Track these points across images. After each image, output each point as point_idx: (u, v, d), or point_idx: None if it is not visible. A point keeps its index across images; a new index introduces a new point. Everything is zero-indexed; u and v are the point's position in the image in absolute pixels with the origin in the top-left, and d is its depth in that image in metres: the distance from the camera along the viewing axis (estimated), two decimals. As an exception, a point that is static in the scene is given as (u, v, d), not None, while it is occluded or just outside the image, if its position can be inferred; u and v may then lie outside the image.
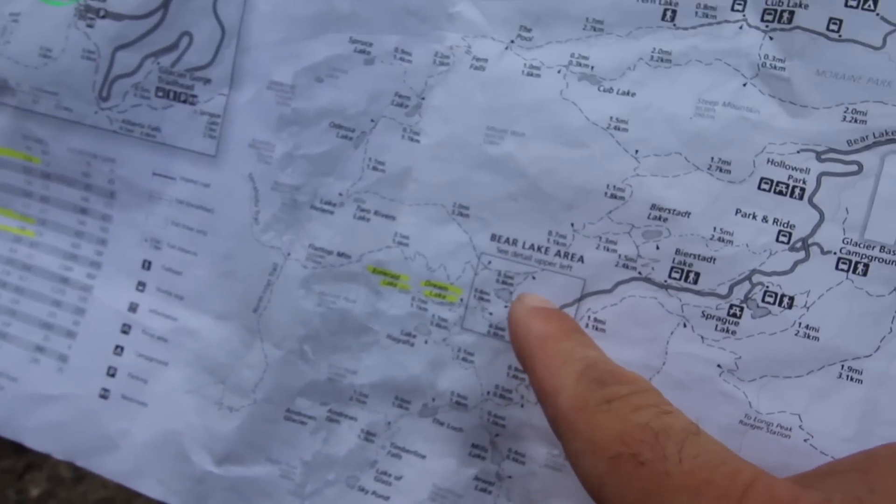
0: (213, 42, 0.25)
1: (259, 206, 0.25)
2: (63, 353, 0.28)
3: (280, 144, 0.25)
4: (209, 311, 0.26)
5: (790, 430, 0.20)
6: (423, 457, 0.24)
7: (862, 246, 0.20)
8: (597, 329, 0.22)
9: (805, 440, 0.20)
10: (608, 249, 0.22)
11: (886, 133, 0.20)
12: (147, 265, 0.27)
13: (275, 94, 0.25)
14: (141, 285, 0.27)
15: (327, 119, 0.24)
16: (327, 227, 0.24)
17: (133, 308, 0.27)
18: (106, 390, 0.27)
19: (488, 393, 0.23)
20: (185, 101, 0.26)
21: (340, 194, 0.24)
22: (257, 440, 0.25)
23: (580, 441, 0.17)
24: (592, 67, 0.22)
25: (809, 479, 0.16)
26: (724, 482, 0.14)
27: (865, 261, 0.20)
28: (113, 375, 0.27)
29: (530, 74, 0.22)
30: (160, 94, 0.26)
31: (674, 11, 0.21)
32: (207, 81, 0.25)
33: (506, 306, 0.23)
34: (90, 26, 0.26)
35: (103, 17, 0.26)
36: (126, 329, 0.27)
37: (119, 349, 0.27)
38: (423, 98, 0.23)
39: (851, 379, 0.20)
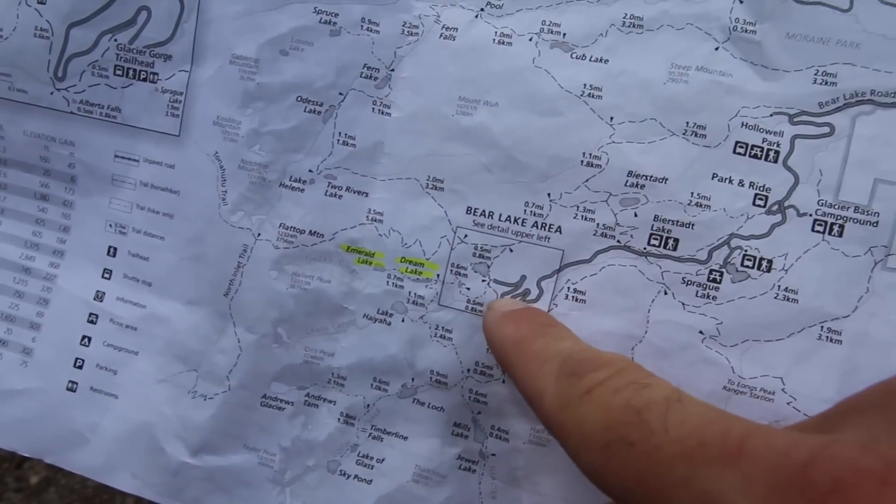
0: (172, 16, 0.25)
1: (226, 185, 0.25)
2: (27, 345, 0.27)
3: (246, 121, 0.24)
4: (179, 296, 0.26)
5: (773, 393, 0.21)
6: (405, 438, 0.24)
7: (837, 207, 0.21)
8: (577, 300, 0.22)
9: (788, 403, 0.21)
10: (586, 219, 0.22)
11: (856, 94, 0.20)
12: (112, 251, 0.26)
13: (238, 68, 0.24)
14: (107, 272, 0.27)
15: (294, 93, 0.24)
16: (298, 206, 0.24)
17: (99, 296, 0.27)
18: (73, 383, 0.27)
19: (468, 370, 0.23)
20: (145, 80, 0.25)
21: (310, 171, 0.24)
22: (233, 428, 0.25)
23: (573, 439, 0.17)
24: (564, 35, 0.22)
25: (829, 419, 0.16)
26: (718, 441, 0.14)
27: (841, 222, 0.21)
28: (80, 367, 0.27)
29: (501, 43, 0.22)
30: (119, 72, 0.25)
31: None
32: (168, 58, 0.25)
33: (483, 280, 0.23)
34: (42, 3, 0.25)
35: None
36: (93, 318, 0.27)
37: (86, 340, 0.27)
38: (392, 70, 0.23)
39: (831, 340, 0.21)
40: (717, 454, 0.14)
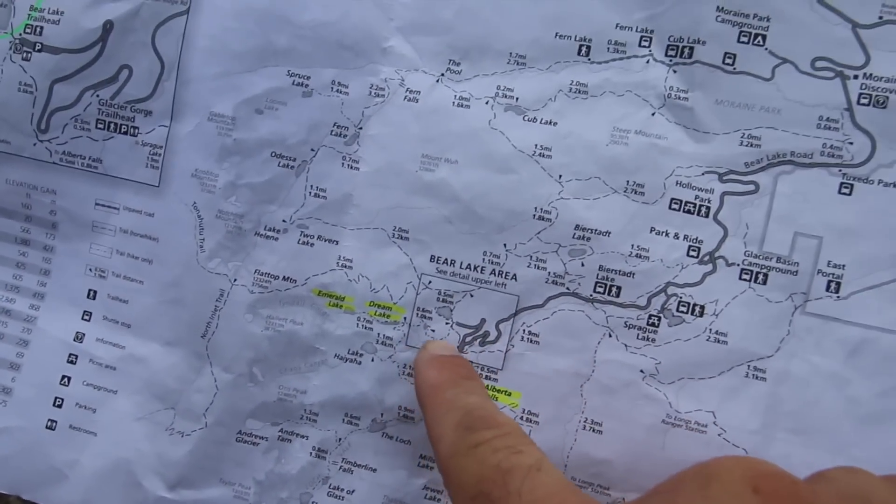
0: (152, 75, 0.26)
1: (204, 234, 0.26)
2: (7, 385, 0.28)
3: (223, 174, 0.26)
4: (157, 337, 0.27)
5: (706, 426, 0.23)
6: (374, 470, 0.25)
7: (761, 257, 0.22)
8: (531, 341, 0.24)
9: (719, 434, 0.23)
10: (538, 267, 0.24)
11: (778, 155, 0.22)
12: (92, 294, 0.27)
13: (216, 125, 0.25)
14: (87, 314, 0.28)
15: (268, 149, 0.25)
16: (272, 253, 0.26)
17: (79, 337, 0.27)
18: (53, 421, 0.27)
19: None
20: (126, 133, 0.26)
21: (284, 221, 0.25)
22: (210, 463, 0.26)
23: (451, 486, 0.19)
24: (517, 99, 0.24)
25: (643, 500, 0.18)
26: None
27: (765, 271, 0.22)
28: (60, 406, 0.27)
29: (460, 105, 0.24)
30: (100, 125, 0.26)
31: (588, 47, 0.23)
32: (148, 113, 0.26)
33: (447, 322, 0.25)
34: (26, 59, 0.26)
35: (39, 50, 0.26)
36: (72, 359, 0.28)
37: (66, 379, 0.27)
38: (360, 128, 0.25)
39: (756, 377, 0.22)
40: None
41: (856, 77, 0.21)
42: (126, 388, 0.27)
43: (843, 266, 0.22)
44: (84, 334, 0.28)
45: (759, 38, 0.22)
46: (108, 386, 0.27)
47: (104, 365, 0.27)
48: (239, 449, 0.26)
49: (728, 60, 0.22)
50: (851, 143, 0.22)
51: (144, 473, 0.26)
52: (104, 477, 0.27)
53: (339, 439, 0.25)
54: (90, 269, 0.27)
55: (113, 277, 0.27)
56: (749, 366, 0.22)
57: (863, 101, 0.21)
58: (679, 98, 0.23)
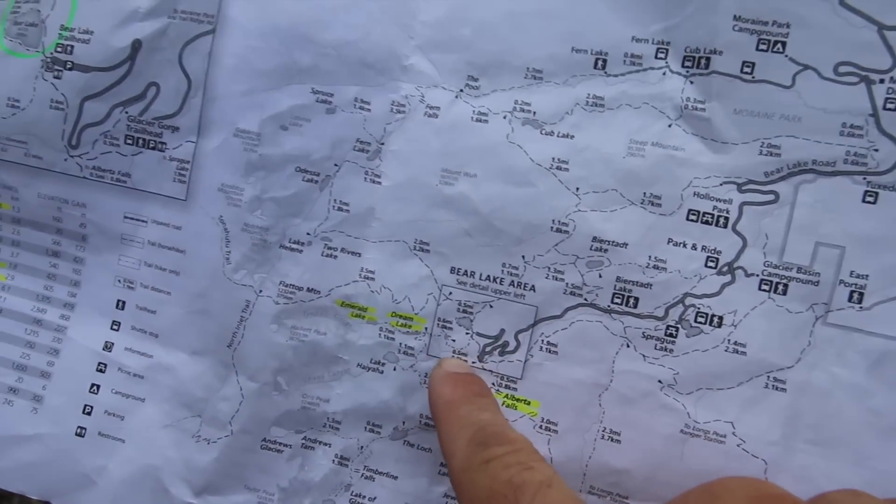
0: (179, 92, 0.26)
1: (230, 246, 0.26)
2: (37, 393, 0.29)
3: (248, 188, 0.26)
4: (184, 347, 0.27)
5: (725, 436, 0.23)
6: (396, 478, 0.25)
7: (781, 268, 0.22)
8: (550, 352, 0.24)
9: (738, 445, 0.23)
10: (556, 279, 0.24)
11: (799, 164, 0.22)
12: (121, 305, 0.28)
13: (241, 141, 0.26)
14: (116, 324, 0.28)
15: (293, 164, 0.26)
16: (297, 265, 0.26)
17: (108, 347, 0.28)
18: (82, 428, 0.28)
19: None
20: (153, 148, 0.27)
21: (308, 234, 0.26)
22: (235, 470, 0.26)
23: (464, 499, 0.19)
24: (534, 113, 0.24)
25: None
26: None
27: (785, 281, 0.22)
28: (89, 413, 0.28)
29: (479, 120, 0.24)
30: (129, 141, 0.27)
31: (604, 60, 0.23)
32: (175, 129, 0.26)
33: (467, 333, 0.25)
34: (57, 77, 0.27)
35: (70, 69, 0.27)
36: (102, 368, 0.28)
37: (95, 387, 0.28)
38: (382, 143, 0.25)
39: (776, 388, 0.22)
40: None
41: (882, 81, 0.21)
42: (154, 397, 0.27)
43: (867, 276, 0.21)
44: (113, 343, 0.28)
45: (779, 45, 0.21)
46: (136, 394, 0.28)
47: (132, 374, 0.28)
48: (263, 456, 0.26)
49: (746, 69, 0.22)
50: (877, 150, 0.21)
51: (171, 480, 0.27)
52: (132, 483, 0.27)
53: (362, 447, 0.26)
54: (119, 281, 0.28)
55: (141, 288, 0.28)
56: (769, 377, 0.22)
57: (889, 105, 0.21)
58: (696, 109, 0.22)
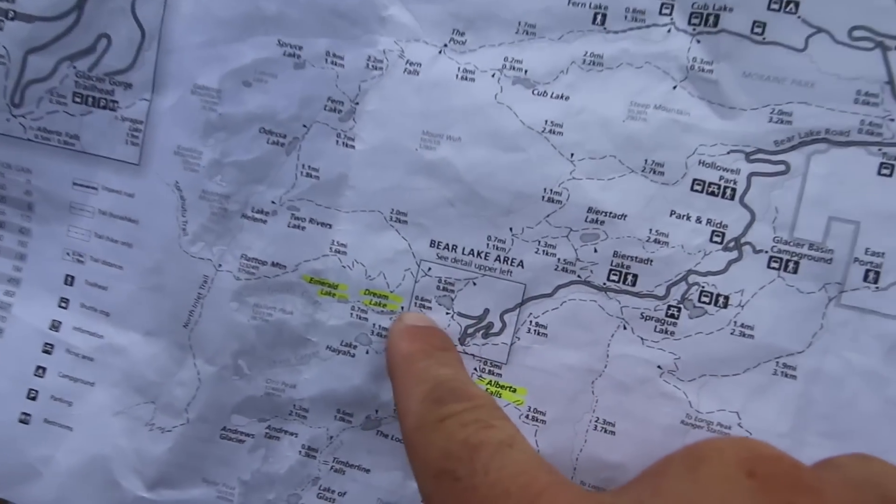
0: (132, 44, 0.25)
1: (187, 216, 0.25)
2: None
3: (207, 151, 0.25)
4: (137, 327, 0.26)
5: (730, 427, 0.22)
6: (368, 471, 0.25)
7: (792, 244, 0.21)
8: (539, 334, 0.23)
9: None
10: (547, 253, 0.23)
11: (811, 133, 0.21)
12: (70, 280, 0.27)
13: (200, 98, 0.24)
14: (64, 302, 0.27)
15: (257, 124, 0.24)
16: (260, 237, 0.25)
17: (55, 326, 0.27)
18: (27, 415, 0.27)
19: None
20: (104, 107, 0.25)
21: (273, 202, 0.24)
22: (192, 461, 0.25)
23: (416, 461, 0.18)
24: (526, 71, 0.23)
25: (628, 485, 0.17)
26: (519, 492, 0.15)
27: (795, 259, 0.21)
28: (34, 398, 0.27)
29: (465, 78, 0.23)
30: (77, 99, 0.26)
31: (604, 15, 0.22)
32: (128, 86, 0.25)
33: (447, 313, 0.24)
34: None
35: (12, 18, 0.25)
36: (48, 349, 0.27)
37: (41, 370, 0.27)
38: (356, 103, 0.24)
39: (786, 375, 0.21)
40: None
41: None
42: (104, 381, 0.26)
43: (883, 254, 0.21)
44: (60, 322, 0.27)
45: (792, 5, 0.21)
46: (85, 378, 0.26)
47: (81, 355, 0.26)
48: (223, 446, 0.25)
49: (757, 30, 0.21)
50: (892, 120, 0.21)
51: (122, 471, 0.26)
52: (80, 475, 0.26)
53: (331, 437, 0.25)
54: (68, 254, 0.27)
55: (91, 262, 0.26)
56: (778, 362, 0.21)
57: None
58: (703, 70, 0.22)
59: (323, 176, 0.24)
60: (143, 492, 0.25)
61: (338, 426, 0.25)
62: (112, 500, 0.26)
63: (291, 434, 0.25)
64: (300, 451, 0.25)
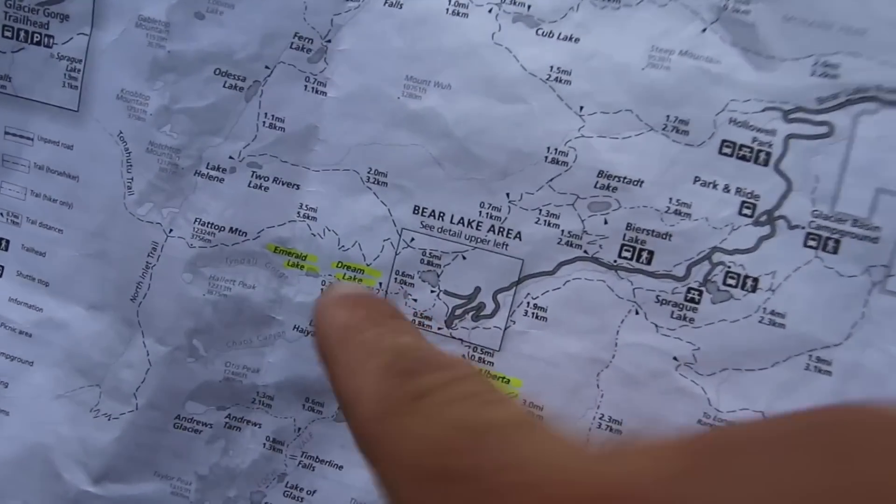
0: None
1: (132, 171, 0.24)
2: None
3: (154, 96, 0.24)
4: (80, 299, 0.25)
5: None
6: (340, 467, 0.24)
7: (833, 219, 0.20)
8: (537, 317, 0.22)
9: None
10: (549, 224, 0.22)
11: (860, 90, 0.20)
12: (4, 245, 0.26)
13: (146, 32, 0.23)
14: None
15: (211, 65, 0.23)
16: (217, 198, 0.24)
17: None
18: None
19: None
20: (38, 43, 0.24)
21: (231, 158, 0.23)
22: (142, 453, 0.25)
23: (383, 462, 0.14)
24: (529, 7, 0.21)
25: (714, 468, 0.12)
26: (565, 497, 0.11)
27: (836, 236, 0.20)
28: None
29: (456, 13, 0.22)
30: (8, 33, 0.24)
31: None
32: (65, 18, 0.24)
33: (432, 290, 0.22)
34: None
35: None
36: None
37: None
38: (328, 41, 0.23)
39: (820, 370, 0.21)
40: None
41: None
42: (44, 360, 0.25)
43: None
44: None
45: None
46: (22, 356, 0.25)
47: (18, 331, 0.25)
48: (177, 437, 0.24)
49: None
50: None
51: (65, 462, 0.25)
52: (17, 465, 0.25)
53: (299, 429, 0.24)
54: (1, 214, 0.25)
55: (28, 224, 0.25)
56: (811, 355, 0.21)
57: None
58: (738, 11, 0.20)
59: (289, 127, 0.23)
60: (87, 485, 0.25)
61: (306, 417, 0.24)
62: (53, 493, 0.25)
63: (254, 424, 0.24)
64: (264, 444, 0.24)
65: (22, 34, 0.24)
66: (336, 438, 0.24)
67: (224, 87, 0.23)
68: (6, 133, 0.25)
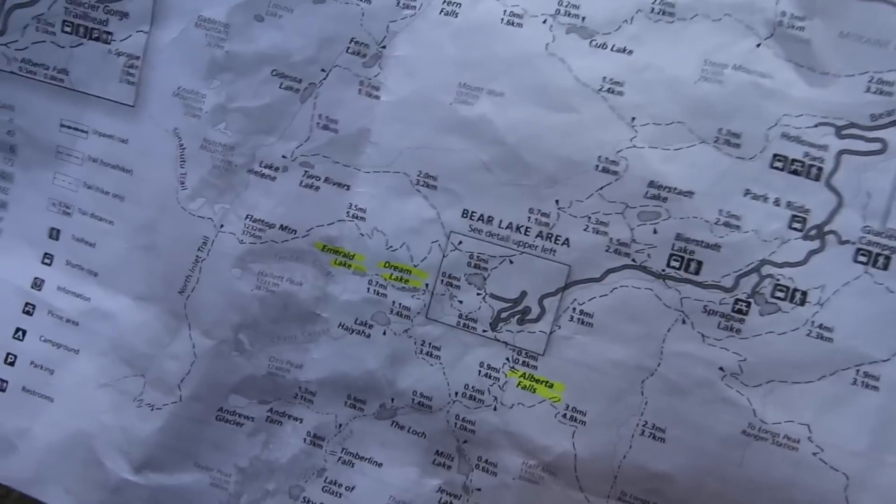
0: None
1: (186, 167, 0.25)
2: None
3: (211, 94, 0.24)
4: (127, 290, 0.26)
5: (798, 442, 0.21)
6: (380, 465, 0.24)
7: (884, 236, 0.21)
8: (583, 323, 0.22)
9: (814, 454, 0.21)
10: (598, 232, 0.22)
11: None
12: (55, 234, 0.26)
13: (205, 33, 0.24)
14: (48, 258, 0.26)
15: (268, 66, 0.24)
16: (268, 196, 0.24)
17: (38, 285, 0.26)
18: (3, 381, 0.26)
19: (456, 393, 0.23)
20: (97, 39, 0.25)
21: (284, 157, 0.24)
22: (183, 444, 0.25)
23: None
24: (583, 18, 0.22)
25: None
26: None
27: (887, 252, 0.21)
28: (12, 364, 0.26)
29: (511, 23, 0.22)
30: (67, 29, 0.25)
31: None
32: (124, 15, 0.25)
33: (478, 293, 0.23)
34: None
35: None
36: (29, 309, 0.26)
37: (20, 333, 0.26)
38: (383, 47, 0.23)
39: (867, 386, 0.21)
40: None
41: None
42: (89, 348, 0.26)
43: None
44: (44, 281, 0.26)
45: None
46: (68, 344, 0.26)
47: (65, 319, 0.26)
48: (219, 429, 0.25)
49: None
50: None
51: (107, 450, 0.26)
52: (60, 451, 0.26)
53: (340, 426, 0.24)
54: (53, 204, 0.26)
55: (79, 215, 0.26)
56: (858, 370, 0.21)
57: None
58: (793, 27, 0.21)
59: (342, 129, 0.23)
60: (128, 474, 0.25)
61: (348, 414, 0.24)
62: (94, 480, 0.26)
63: (296, 419, 0.24)
64: (305, 439, 0.24)
65: (81, 30, 0.25)
66: (376, 436, 0.24)
67: (280, 87, 0.24)
68: (61, 125, 0.26)
